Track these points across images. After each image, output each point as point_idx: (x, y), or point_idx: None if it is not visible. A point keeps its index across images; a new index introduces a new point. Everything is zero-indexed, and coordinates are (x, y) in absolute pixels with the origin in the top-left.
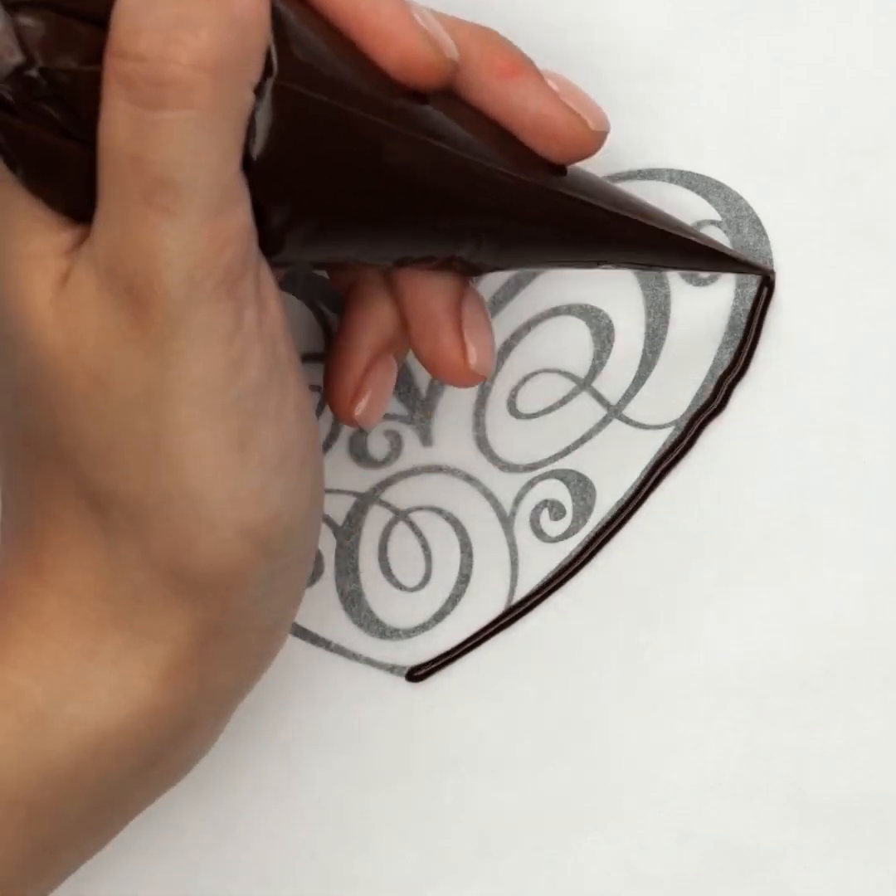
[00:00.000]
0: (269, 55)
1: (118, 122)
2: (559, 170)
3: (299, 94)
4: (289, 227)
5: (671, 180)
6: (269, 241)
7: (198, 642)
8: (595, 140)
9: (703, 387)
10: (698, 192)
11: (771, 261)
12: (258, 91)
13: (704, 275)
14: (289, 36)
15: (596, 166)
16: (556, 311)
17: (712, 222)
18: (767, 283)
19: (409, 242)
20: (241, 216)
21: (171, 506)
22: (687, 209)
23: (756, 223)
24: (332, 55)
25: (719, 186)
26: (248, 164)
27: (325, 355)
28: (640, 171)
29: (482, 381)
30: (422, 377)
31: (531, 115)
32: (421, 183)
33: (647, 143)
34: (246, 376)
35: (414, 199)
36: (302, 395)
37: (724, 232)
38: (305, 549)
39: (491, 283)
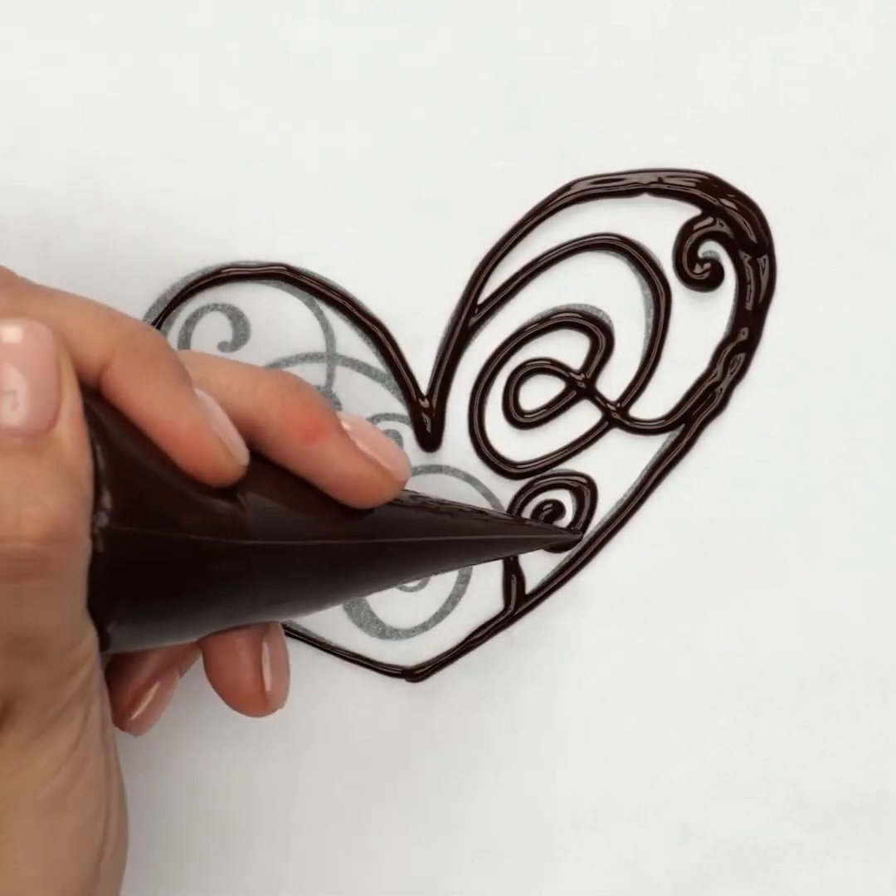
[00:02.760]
0: (97, 494)
1: None
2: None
3: (128, 533)
4: (118, 630)
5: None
6: (101, 641)
7: None
8: (396, 488)
9: (703, 387)
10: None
11: (771, 259)
12: (92, 535)
13: (704, 274)
14: (110, 465)
15: (596, 165)
16: (556, 311)
17: (707, 227)
18: (769, 283)
19: (226, 624)
20: (88, 643)
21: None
22: (675, 213)
23: (754, 220)
24: (150, 472)
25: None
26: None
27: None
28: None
29: (272, 711)
30: (423, 378)
31: (335, 474)
32: (238, 581)
33: (648, 143)
34: (85, 775)
35: (232, 597)
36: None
37: (720, 227)
38: None
39: (490, 283)
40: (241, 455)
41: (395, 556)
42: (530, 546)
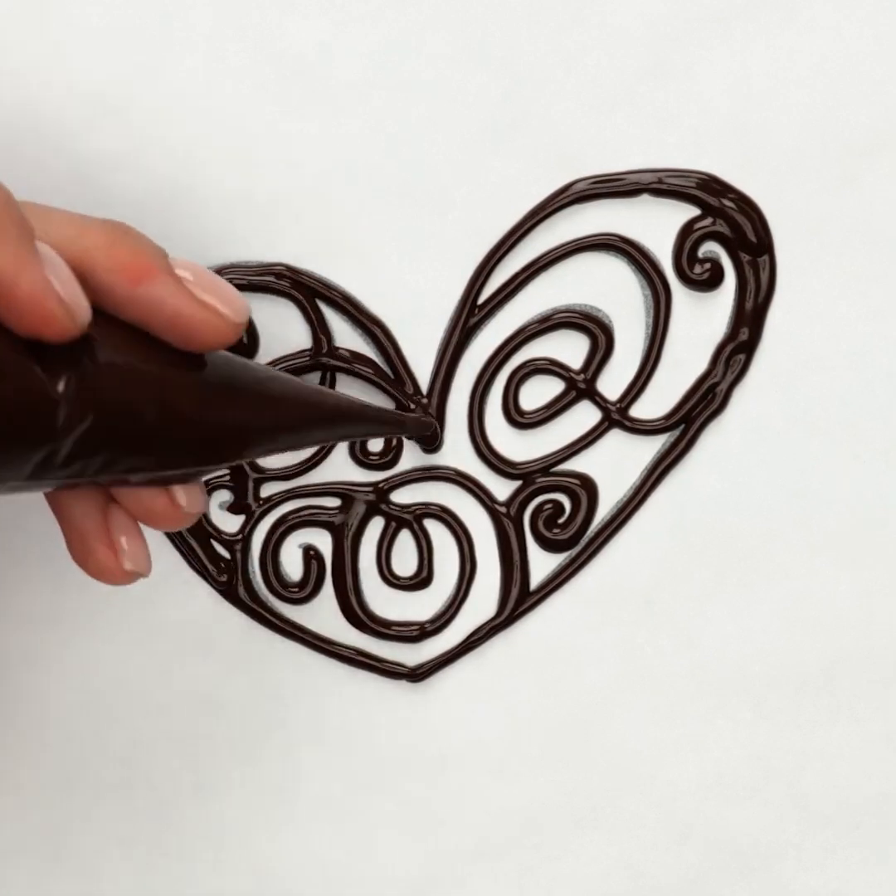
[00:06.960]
0: None
1: None
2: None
3: None
4: None
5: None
6: None
7: None
8: (234, 331)
9: (703, 387)
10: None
11: (771, 259)
12: None
13: (704, 274)
14: None
15: (596, 165)
16: (556, 311)
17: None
18: (769, 283)
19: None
20: None
21: None
22: (673, 213)
23: (753, 219)
24: None
25: (713, 183)
26: None
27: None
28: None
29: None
30: (423, 378)
31: (167, 316)
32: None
33: (647, 143)
34: None
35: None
36: None
37: (720, 227)
38: None
39: (491, 283)
40: (82, 314)
41: (242, 408)
42: (375, 425)
